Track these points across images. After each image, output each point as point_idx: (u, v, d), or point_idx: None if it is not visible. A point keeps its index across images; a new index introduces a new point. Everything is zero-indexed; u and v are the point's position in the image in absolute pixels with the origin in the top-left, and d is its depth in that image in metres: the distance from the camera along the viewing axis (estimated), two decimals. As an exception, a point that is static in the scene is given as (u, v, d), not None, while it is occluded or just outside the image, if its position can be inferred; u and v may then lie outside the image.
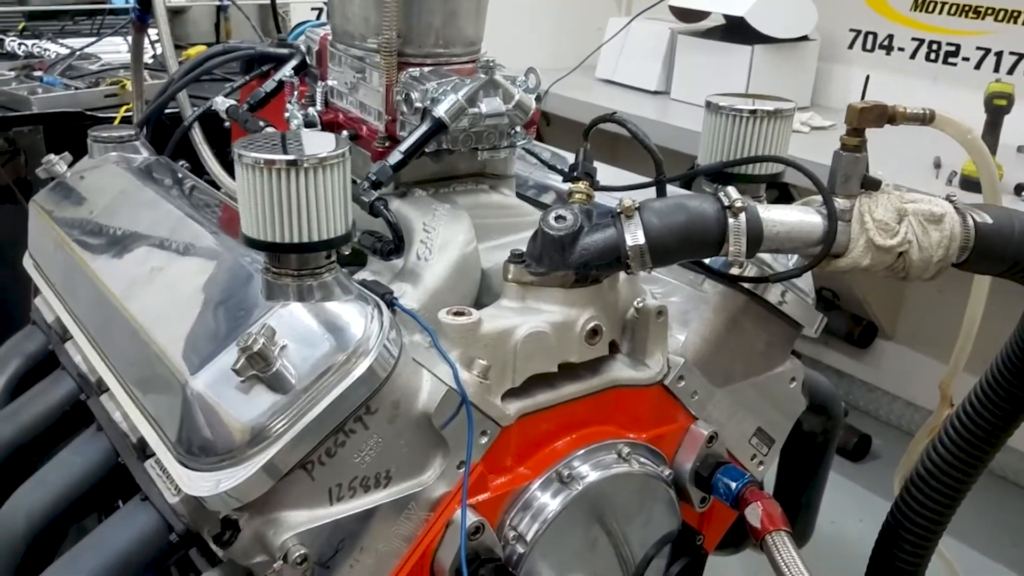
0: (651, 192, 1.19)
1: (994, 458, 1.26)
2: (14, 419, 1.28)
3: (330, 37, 1.30)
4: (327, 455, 0.94)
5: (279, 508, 0.93)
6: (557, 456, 1.10)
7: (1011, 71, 2.98)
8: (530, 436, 1.09)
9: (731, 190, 1.01)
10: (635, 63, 3.59)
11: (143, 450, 1.08)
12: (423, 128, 1.12)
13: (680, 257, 1.05)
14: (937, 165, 2.64)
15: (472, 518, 1.01)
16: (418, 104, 1.14)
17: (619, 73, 3.67)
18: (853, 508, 2.79)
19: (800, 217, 1.02)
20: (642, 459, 1.13)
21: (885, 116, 1.01)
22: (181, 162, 1.54)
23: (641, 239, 1.00)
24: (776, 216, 1.02)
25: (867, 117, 1.00)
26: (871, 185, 1.03)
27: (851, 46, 3.40)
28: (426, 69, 1.18)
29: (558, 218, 1.04)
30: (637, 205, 1.02)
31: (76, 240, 1.29)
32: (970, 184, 2.47)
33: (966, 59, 3.10)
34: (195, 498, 0.93)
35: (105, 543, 1.03)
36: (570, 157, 1.43)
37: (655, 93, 3.53)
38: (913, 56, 3.24)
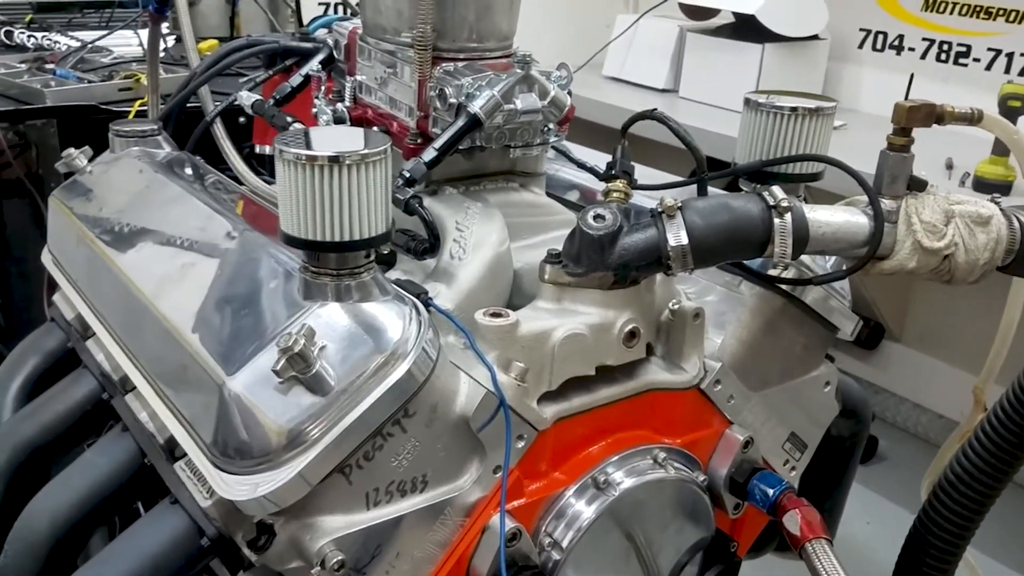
0: (686, 192, 1.17)
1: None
2: (35, 418, 1.25)
3: (360, 31, 1.28)
4: (365, 459, 0.92)
5: (316, 513, 0.91)
6: (592, 461, 1.08)
7: (1022, 73, 2.97)
8: (565, 440, 1.07)
9: (776, 189, 0.99)
10: (643, 61, 3.58)
11: (171, 451, 1.06)
12: (458, 124, 1.10)
13: (723, 259, 1.04)
14: (949, 166, 2.63)
15: (509, 524, 0.99)
16: (452, 100, 1.11)
17: (627, 71, 3.65)
18: (860, 511, 2.78)
19: (846, 218, 1.01)
20: (677, 465, 1.11)
21: (933, 115, 0.99)
22: (197, 158, 1.52)
23: (684, 239, 0.99)
24: (822, 217, 1.00)
25: (915, 116, 0.98)
26: (917, 186, 1.01)
27: (861, 46, 3.39)
28: (459, 64, 1.16)
29: (597, 217, 1.02)
30: (679, 204, 1.00)
31: (99, 236, 1.26)
32: (983, 186, 2.46)
33: (977, 60, 3.09)
34: (229, 502, 0.91)
35: (134, 547, 1.01)
36: (586, 153, 1.41)
37: (663, 91, 3.51)
38: (924, 56, 3.23)
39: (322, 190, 0.88)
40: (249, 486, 0.88)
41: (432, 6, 1.10)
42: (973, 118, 1.02)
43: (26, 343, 1.40)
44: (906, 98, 1.00)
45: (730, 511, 1.18)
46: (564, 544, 1.04)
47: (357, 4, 1.29)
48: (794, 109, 1.11)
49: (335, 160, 0.87)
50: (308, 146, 0.89)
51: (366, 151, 0.89)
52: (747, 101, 1.15)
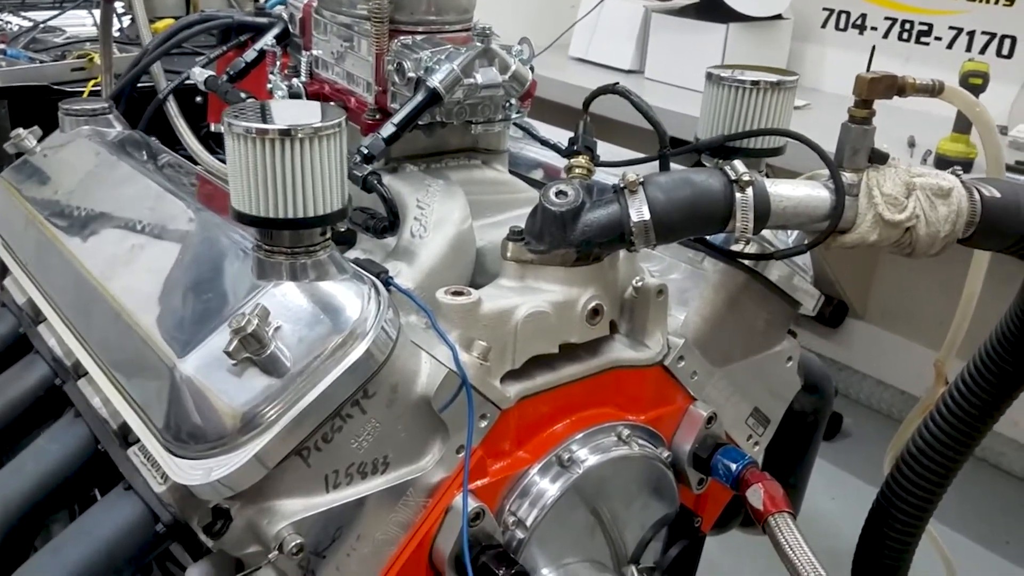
0: (649, 168, 1.16)
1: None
2: (-16, 406, 1.21)
3: (315, 4, 1.25)
4: (323, 441, 0.90)
5: (273, 496, 0.89)
6: (556, 439, 1.07)
7: (983, 51, 3.00)
8: (529, 419, 1.06)
9: (738, 164, 0.98)
10: (609, 41, 3.56)
11: (125, 437, 1.03)
12: (417, 99, 1.08)
13: (686, 234, 1.03)
14: (911, 144, 2.66)
15: (472, 504, 0.98)
16: (411, 74, 1.09)
17: (592, 52, 3.63)
18: (825, 487, 2.82)
19: (807, 191, 1.00)
20: (641, 441, 1.11)
21: (895, 87, 0.99)
22: (151, 137, 1.48)
23: (646, 215, 0.97)
24: (783, 191, 0.99)
25: (876, 88, 0.98)
26: (879, 159, 1.01)
27: (824, 25, 3.40)
28: (418, 37, 1.14)
29: (559, 193, 1.00)
30: (641, 180, 0.99)
31: (49, 218, 1.22)
32: (944, 163, 2.48)
33: (939, 39, 3.12)
34: (183, 487, 0.88)
35: (88, 534, 0.98)
36: (549, 130, 1.39)
37: (629, 72, 3.50)
38: (886, 35, 3.25)
39: (274, 165, 0.85)
40: (203, 471, 0.86)
41: (388, -23, 1.08)
42: (934, 90, 1.01)
43: (-25, 329, 1.35)
44: (867, 70, 0.99)
45: (694, 486, 1.18)
46: (528, 522, 1.03)
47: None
48: (756, 83, 1.10)
49: (286, 133, 0.85)
50: (259, 119, 0.86)
51: (319, 124, 0.86)
52: (709, 75, 1.14)
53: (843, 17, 3.35)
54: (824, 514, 2.69)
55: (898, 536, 1.33)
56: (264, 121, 0.86)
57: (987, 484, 2.98)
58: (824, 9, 3.38)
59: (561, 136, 1.39)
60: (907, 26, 3.19)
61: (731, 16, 3.13)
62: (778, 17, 3.26)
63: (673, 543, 1.22)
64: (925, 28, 3.14)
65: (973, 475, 3.00)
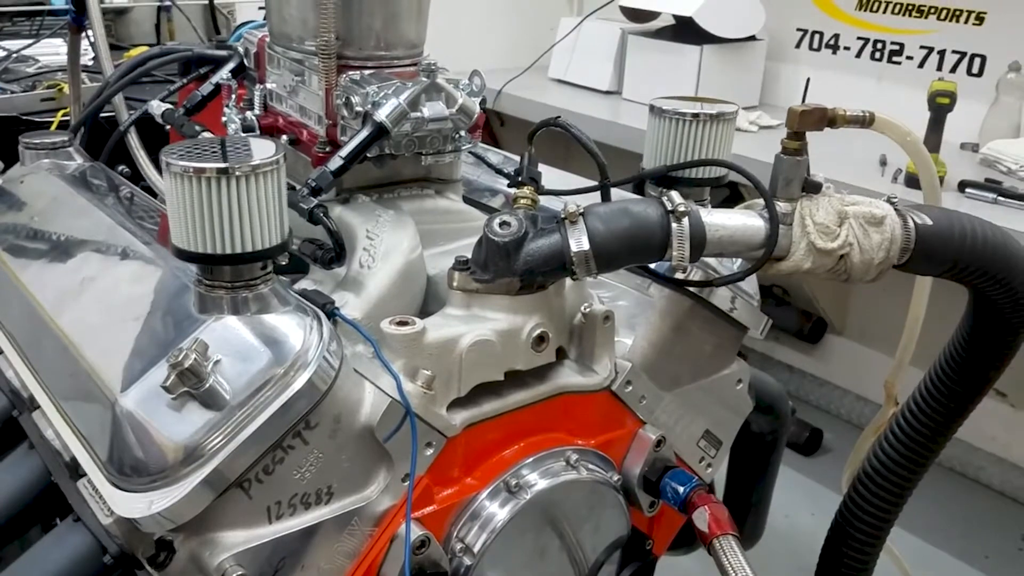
0: (598, 196, 1.18)
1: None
2: (-58, 438, 1.22)
3: (268, 39, 1.27)
4: (265, 472, 0.91)
5: (215, 528, 0.91)
6: (505, 465, 1.08)
7: (953, 69, 3.04)
8: (477, 446, 1.07)
9: (674, 195, 1.00)
10: (587, 63, 3.60)
11: (76, 469, 1.04)
12: (364, 133, 1.10)
13: (625, 262, 1.05)
14: (883, 163, 2.68)
15: (417, 532, 0.99)
16: (359, 108, 1.11)
17: (571, 73, 3.67)
18: (805, 502, 2.82)
19: (742, 221, 1.02)
20: (590, 465, 1.12)
21: (825, 119, 1.01)
22: (121, 167, 1.50)
23: (586, 245, 0.99)
24: (718, 220, 1.01)
25: (807, 120, 1.00)
26: (812, 188, 1.03)
27: (798, 45, 3.44)
28: (367, 72, 1.16)
29: (502, 224, 1.02)
30: (581, 211, 1.01)
31: (5, 250, 1.24)
32: (915, 182, 2.50)
33: (910, 58, 3.15)
34: (129, 519, 0.89)
35: (37, 565, 0.99)
36: (515, 158, 1.42)
37: (607, 93, 3.54)
38: (859, 55, 3.29)
39: (211, 203, 0.87)
40: (144, 503, 0.87)
41: (335, 15, 1.10)
42: (865, 121, 1.04)
43: (-64, 361, 1.36)
44: (803, 101, 1.02)
45: (645, 509, 1.19)
46: (476, 548, 1.04)
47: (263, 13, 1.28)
48: (696, 115, 1.12)
49: (224, 172, 0.86)
50: (198, 158, 0.88)
51: (256, 162, 0.88)
52: (651, 108, 1.16)
53: (816, 37, 3.39)
54: (804, 529, 2.70)
55: (856, 555, 1.35)
56: (202, 159, 0.88)
57: (967, 498, 2.99)
58: (798, 30, 3.42)
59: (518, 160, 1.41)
60: (879, 45, 3.23)
61: (706, 38, 3.17)
62: (752, 38, 3.30)
63: (625, 566, 1.23)
64: (897, 47, 3.18)
65: (953, 489, 3.03)
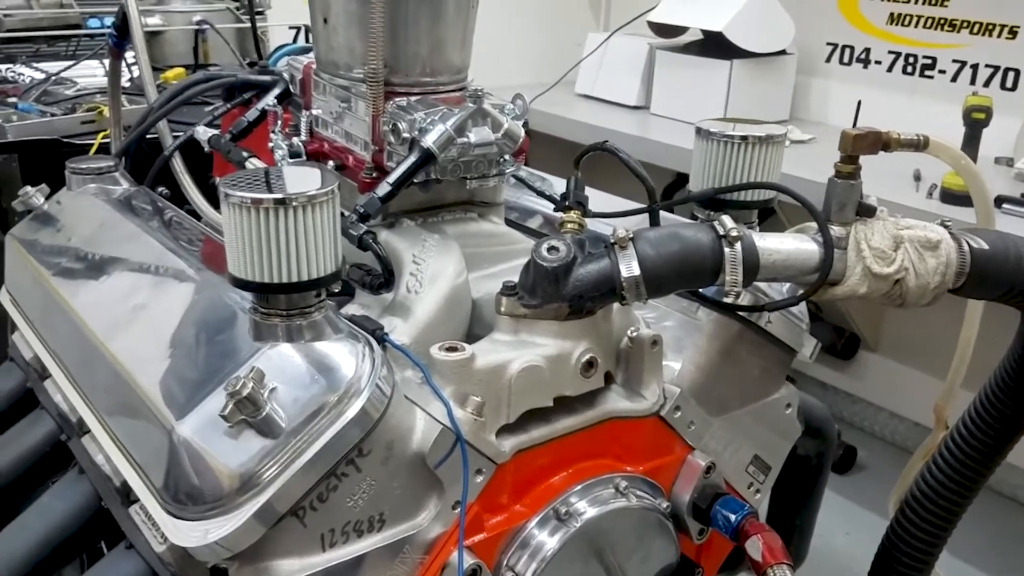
0: (640, 216, 1.17)
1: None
2: (-8, 462, 1.24)
3: (314, 66, 1.28)
4: (319, 500, 0.91)
5: (270, 556, 0.91)
6: (554, 492, 1.08)
7: (987, 84, 3.01)
8: (526, 472, 1.06)
9: (726, 219, 1.00)
10: (614, 78, 3.60)
11: (127, 495, 1.05)
12: (411, 159, 1.10)
13: (675, 288, 1.04)
14: (917, 178, 2.65)
15: (469, 560, 0.99)
16: (406, 134, 1.12)
17: (598, 88, 3.67)
18: (839, 521, 2.79)
19: (796, 245, 1.01)
20: (640, 492, 1.11)
21: (879, 143, 1.00)
22: (160, 189, 1.51)
23: (636, 270, 0.99)
24: (772, 245, 1.00)
25: (861, 144, 0.99)
26: (866, 212, 1.02)
27: (828, 60, 3.42)
28: (413, 98, 1.16)
29: (551, 249, 1.02)
30: (631, 235, 1.01)
31: (55, 276, 1.25)
32: (950, 197, 2.48)
33: (942, 72, 3.12)
34: (183, 547, 0.90)
35: (90, 593, 0.99)
36: (550, 179, 1.41)
37: (635, 108, 3.53)
38: (890, 69, 3.26)
39: (268, 233, 0.87)
40: (200, 532, 0.87)
41: (383, 43, 1.11)
42: (919, 144, 1.03)
43: (-16, 383, 1.38)
44: (854, 124, 1.01)
45: (694, 536, 1.18)
46: (526, 577, 1.04)
47: (312, 40, 1.28)
48: (744, 138, 1.12)
49: (281, 202, 0.87)
50: (255, 188, 0.89)
51: (312, 192, 0.88)
52: (698, 130, 1.16)
53: (847, 51, 3.37)
54: (838, 550, 2.67)
55: (904, 580, 1.33)
56: (259, 190, 0.88)
57: (1004, 518, 2.94)
58: (828, 44, 3.40)
59: (559, 183, 1.41)
60: (911, 60, 3.21)
61: (735, 53, 3.15)
62: (782, 53, 3.29)
63: (674, 593, 1.22)
64: (929, 62, 3.16)
65: (990, 509, 2.97)
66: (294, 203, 0.87)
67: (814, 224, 1.03)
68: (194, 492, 0.89)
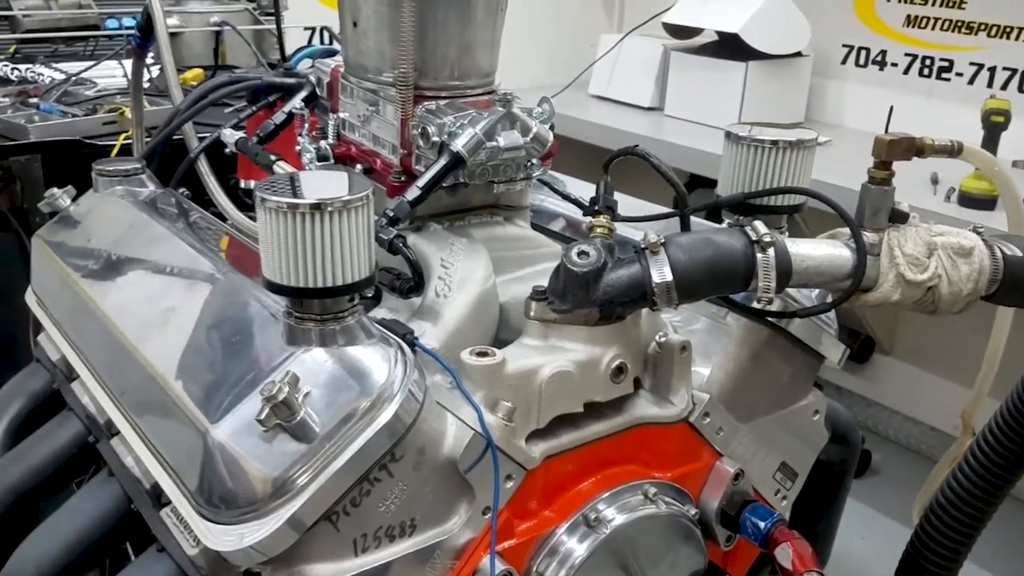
0: (669, 223, 1.17)
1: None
2: (20, 463, 1.24)
3: (342, 69, 1.28)
4: (352, 505, 0.91)
5: (303, 561, 0.91)
6: (583, 498, 1.07)
7: (1004, 87, 2.99)
8: (555, 478, 1.06)
9: (759, 225, 0.99)
10: (628, 80, 3.59)
11: (158, 497, 1.05)
12: (441, 163, 1.10)
13: (707, 293, 1.04)
14: (935, 181, 2.64)
15: (500, 566, 0.99)
16: (435, 138, 1.11)
17: (612, 90, 3.66)
18: (854, 525, 2.77)
19: (829, 251, 1.01)
20: (668, 499, 1.11)
21: (913, 149, 1.00)
22: (182, 190, 1.52)
23: (668, 276, 0.99)
24: (804, 251, 1.00)
25: (895, 150, 0.99)
26: (899, 218, 1.01)
27: (844, 62, 3.41)
28: (442, 102, 1.16)
29: (581, 254, 1.02)
30: (663, 240, 1.00)
31: (83, 277, 1.25)
32: (968, 200, 2.47)
33: (959, 74, 3.11)
34: (215, 550, 0.90)
35: (121, 597, 1.00)
36: (562, 178, 1.41)
37: (649, 109, 3.53)
38: (907, 71, 3.25)
39: (304, 237, 0.87)
40: (235, 536, 0.87)
41: (413, 47, 1.10)
42: (953, 150, 1.02)
43: (12, 384, 1.38)
44: (886, 130, 1.01)
45: (722, 544, 1.18)
46: (556, 584, 1.03)
47: (340, 43, 1.28)
48: (775, 142, 1.11)
49: (317, 207, 0.87)
50: (290, 193, 0.89)
51: (348, 197, 0.88)
52: (728, 134, 1.15)
53: (863, 53, 3.36)
54: (854, 554, 2.66)
55: (929, 588, 1.32)
56: (295, 195, 0.88)
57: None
58: (844, 46, 3.39)
59: (579, 185, 1.41)
60: (927, 62, 3.20)
61: (751, 54, 3.15)
62: (798, 55, 3.28)
63: (701, 600, 1.21)
64: (946, 64, 3.14)
65: (1012, 515, 2.95)
66: (330, 208, 0.87)
67: (845, 230, 1.03)
68: (228, 496, 0.89)
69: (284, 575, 0.90)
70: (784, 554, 1.07)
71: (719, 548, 1.18)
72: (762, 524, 1.12)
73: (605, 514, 1.06)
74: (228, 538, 0.87)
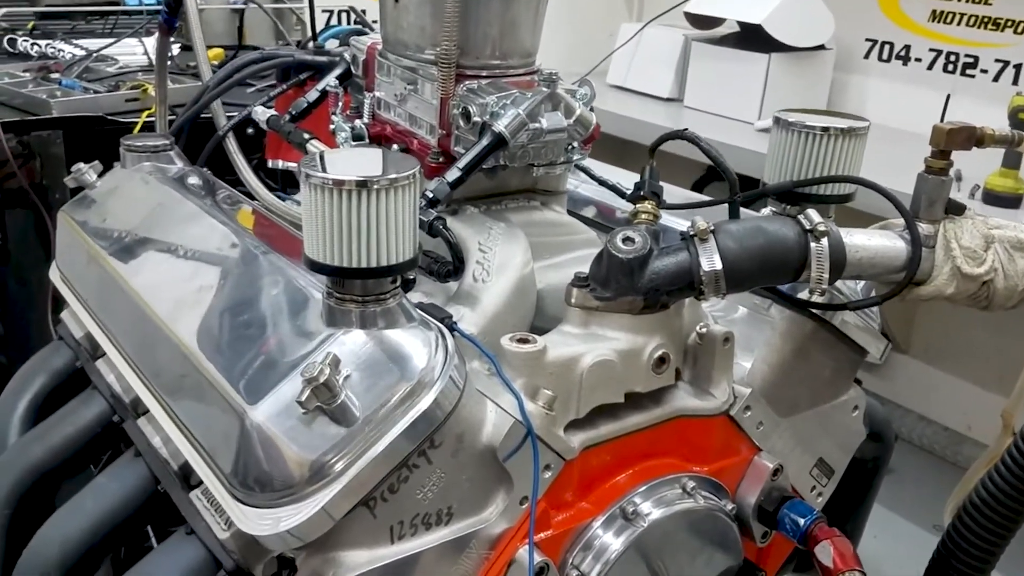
0: (713, 213, 1.14)
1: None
2: (43, 441, 1.22)
3: (379, 46, 1.25)
4: (390, 491, 0.89)
5: (339, 547, 0.88)
6: (619, 491, 1.05)
7: (1031, 84, 2.96)
8: (592, 469, 1.04)
9: (812, 213, 0.97)
10: (648, 70, 3.55)
11: (187, 479, 1.03)
12: (483, 144, 1.07)
13: (757, 283, 1.01)
14: (959, 178, 2.60)
15: (536, 558, 0.96)
16: (476, 119, 1.09)
17: (631, 80, 3.63)
18: (868, 524, 2.75)
19: (883, 242, 0.98)
20: (705, 494, 1.09)
21: (973, 138, 0.97)
22: (204, 170, 1.49)
23: (718, 264, 0.96)
24: (859, 241, 0.97)
25: (955, 139, 0.96)
26: (955, 209, 0.99)
27: (867, 56, 3.37)
28: (483, 82, 1.13)
29: (626, 240, 0.99)
30: (712, 228, 0.98)
31: (111, 254, 1.23)
32: (993, 198, 2.44)
33: (984, 71, 3.07)
34: (247, 534, 0.87)
35: (149, 579, 0.97)
36: (605, 169, 1.38)
37: (668, 100, 3.49)
38: (931, 67, 3.21)
39: (349, 215, 0.85)
40: (271, 520, 0.85)
41: (457, 23, 1.07)
42: (1014, 141, 0.99)
43: (33, 361, 1.36)
44: (942, 119, 0.98)
45: (758, 540, 1.16)
46: (592, 577, 1.01)
47: (376, 20, 1.25)
48: (826, 129, 1.08)
49: (363, 185, 0.84)
50: (335, 170, 0.86)
51: (395, 175, 0.86)
52: (777, 120, 1.12)
53: (886, 48, 3.32)
54: (866, 552, 2.62)
55: (960, 589, 1.30)
56: (338, 172, 0.85)
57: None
58: (867, 40, 3.35)
59: (613, 172, 1.38)
60: (952, 58, 3.16)
61: (773, 46, 3.11)
62: (821, 48, 3.24)
63: (735, 596, 1.19)
64: (971, 60, 3.10)
65: None
66: (376, 186, 0.84)
67: (899, 221, 1.00)
68: (264, 479, 0.86)
69: (318, 561, 0.88)
70: (825, 552, 1.05)
71: (754, 544, 1.16)
72: (801, 521, 1.09)
73: (642, 508, 1.04)
74: (264, 522, 0.85)
